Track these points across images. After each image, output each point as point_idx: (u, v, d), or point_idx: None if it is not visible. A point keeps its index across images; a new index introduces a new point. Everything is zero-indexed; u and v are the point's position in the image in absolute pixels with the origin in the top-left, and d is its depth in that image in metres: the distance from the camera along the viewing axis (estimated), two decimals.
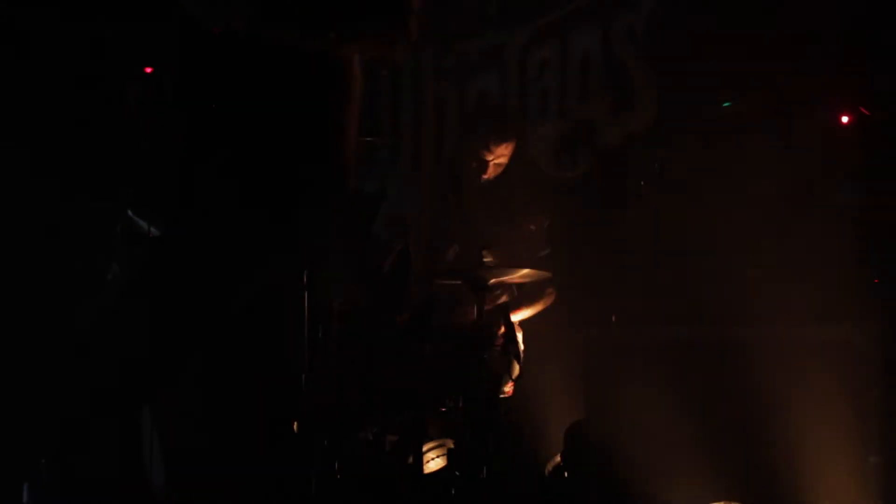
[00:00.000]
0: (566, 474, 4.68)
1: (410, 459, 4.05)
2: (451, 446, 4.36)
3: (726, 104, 5.33)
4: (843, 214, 4.94)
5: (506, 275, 4.65)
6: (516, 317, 4.74)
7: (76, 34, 5.59)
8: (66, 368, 2.27)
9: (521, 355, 4.32)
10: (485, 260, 4.30)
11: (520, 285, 4.66)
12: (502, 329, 4.32)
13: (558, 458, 4.78)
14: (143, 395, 2.43)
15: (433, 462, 4.45)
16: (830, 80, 5.09)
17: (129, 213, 4.55)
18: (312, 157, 2.48)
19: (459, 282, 4.41)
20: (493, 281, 4.44)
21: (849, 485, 4.51)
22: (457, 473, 4.14)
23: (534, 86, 5.82)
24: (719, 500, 4.38)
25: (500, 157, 4.67)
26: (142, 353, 2.31)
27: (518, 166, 4.78)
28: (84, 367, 2.28)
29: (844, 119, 5.17)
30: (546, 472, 4.87)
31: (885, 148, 5.00)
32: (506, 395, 4.56)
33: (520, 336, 4.54)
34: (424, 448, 4.16)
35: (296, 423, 3.69)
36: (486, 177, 4.42)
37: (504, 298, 4.72)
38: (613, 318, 4.91)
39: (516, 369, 4.27)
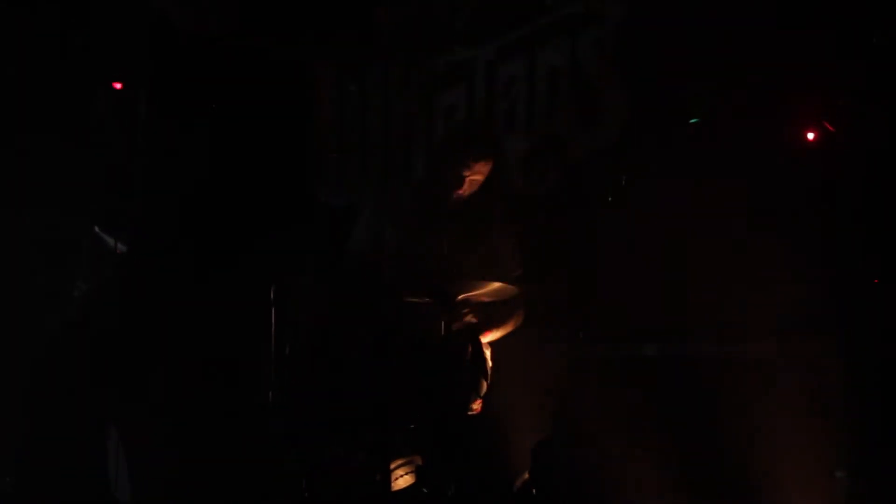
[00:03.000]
0: (534, 491, 4.68)
1: (379, 477, 4.04)
2: (420, 463, 4.35)
3: (693, 120, 5.36)
4: (808, 230, 4.97)
5: (474, 290, 4.65)
6: (485, 339, 4.72)
7: (46, 45, 5.55)
8: (29, 382, 2.25)
9: (489, 372, 4.31)
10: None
11: (488, 305, 4.63)
12: (469, 346, 4.32)
13: (526, 475, 4.77)
14: (107, 410, 2.42)
15: (401, 479, 4.43)
16: (796, 96, 5.13)
17: (96, 228, 4.53)
18: (278, 171, 2.48)
19: (428, 298, 4.39)
20: (461, 297, 4.43)
21: (815, 499, 4.54)
22: (425, 490, 4.13)
23: (501, 101, 5.82)
24: None
25: (478, 173, 4.63)
26: (105, 368, 2.30)
27: (495, 184, 4.75)
28: (48, 380, 2.26)
29: (809, 135, 5.21)
30: (514, 489, 4.86)
31: (849, 163, 5.04)
32: (473, 412, 4.56)
33: (488, 353, 4.53)
34: (392, 465, 4.15)
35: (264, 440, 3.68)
36: (461, 193, 4.39)
37: (472, 318, 4.71)
38: (580, 335, 4.91)
39: (484, 386, 4.26)
